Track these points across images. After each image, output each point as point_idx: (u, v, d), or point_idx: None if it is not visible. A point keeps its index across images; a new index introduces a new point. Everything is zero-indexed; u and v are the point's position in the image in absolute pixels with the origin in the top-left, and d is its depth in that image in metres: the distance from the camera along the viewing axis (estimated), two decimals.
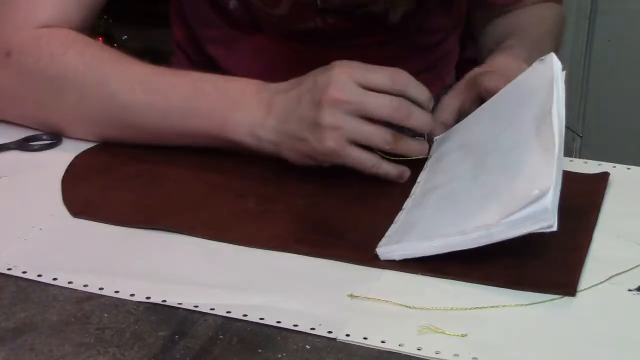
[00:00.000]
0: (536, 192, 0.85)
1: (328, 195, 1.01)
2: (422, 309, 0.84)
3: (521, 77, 1.01)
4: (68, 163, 1.08)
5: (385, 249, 0.90)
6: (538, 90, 0.96)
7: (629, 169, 1.07)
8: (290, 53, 1.25)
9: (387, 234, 0.93)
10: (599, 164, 1.07)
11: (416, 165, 1.02)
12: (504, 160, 0.94)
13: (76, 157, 1.07)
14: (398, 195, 0.99)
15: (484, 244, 0.87)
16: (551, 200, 0.84)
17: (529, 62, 1.03)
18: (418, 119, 0.99)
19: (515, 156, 0.92)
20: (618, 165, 1.07)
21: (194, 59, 1.33)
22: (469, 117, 1.04)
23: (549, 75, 0.95)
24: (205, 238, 0.93)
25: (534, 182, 0.87)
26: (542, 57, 0.98)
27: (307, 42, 1.24)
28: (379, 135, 0.98)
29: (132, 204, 0.99)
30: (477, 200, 0.91)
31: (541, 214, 0.84)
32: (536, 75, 0.98)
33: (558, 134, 0.89)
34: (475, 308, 0.84)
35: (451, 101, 1.07)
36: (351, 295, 0.85)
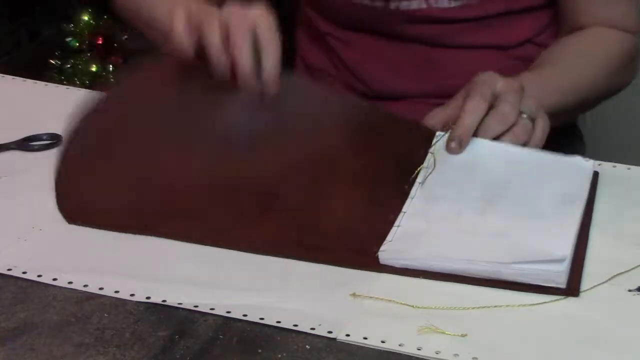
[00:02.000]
0: (559, 254, 0.87)
1: (325, 196, 1.00)
2: (423, 308, 0.84)
3: (557, 159, 1.02)
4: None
5: (387, 255, 0.90)
6: (572, 183, 0.99)
7: (629, 169, 1.07)
8: (398, 55, 1.26)
9: (389, 238, 0.92)
10: (599, 164, 1.07)
11: (414, 164, 1.02)
12: (515, 208, 0.95)
13: (65, 150, 1.03)
14: (397, 195, 0.99)
15: (490, 277, 0.87)
16: (567, 266, 0.87)
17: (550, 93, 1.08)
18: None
19: (530, 210, 0.94)
20: (618, 165, 1.07)
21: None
22: (485, 141, 1.03)
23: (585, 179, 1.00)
24: (202, 244, 0.93)
25: (554, 239, 0.89)
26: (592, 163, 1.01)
27: (413, 42, 1.25)
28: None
29: (126, 209, 0.98)
30: (487, 237, 0.91)
31: (555, 277, 0.87)
32: (573, 168, 1.01)
33: (580, 219, 0.94)
34: (476, 308, 0.84)
35: (440, 112, 1.07)
36: (354, 295, 0.85)
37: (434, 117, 1.06)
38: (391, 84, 1.26)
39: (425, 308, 0.84)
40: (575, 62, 1.21)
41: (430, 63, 1.20)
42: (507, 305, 0.85)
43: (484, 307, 0.85)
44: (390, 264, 0.90)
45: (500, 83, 1.03)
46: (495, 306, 0.85)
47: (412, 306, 0.84)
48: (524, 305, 0.85)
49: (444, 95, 1.16)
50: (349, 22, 1.28)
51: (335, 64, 1.30)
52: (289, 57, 1.38)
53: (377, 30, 1.26)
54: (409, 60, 1.25)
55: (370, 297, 0.85)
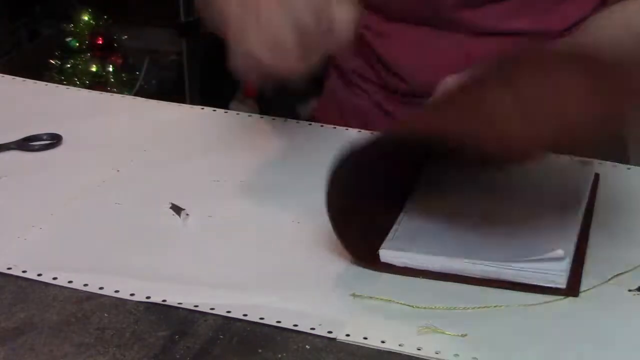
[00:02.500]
0: (559, 253, 0.87)
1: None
2: (423, 308, 0.84)
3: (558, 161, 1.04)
4: (68, 163, 1.08)
5: (388, 253, 0.90)
6: (573, 184, 1.00)
7: (629, 169, 1.07)
8: (438, 44, 1.24)
9: (390, 237, 0.92)
10: (600, 163, 1.07)
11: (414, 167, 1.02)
12: (516, 208, 0.96)
13: None
14: (398, 196, 0.99)
15: (490, 277, 0.87)
16: (567, 265, 0.87)
17: None
18: None
19: (531, 211, 0.95)
20: (618, 165, 1.07)
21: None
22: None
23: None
24: None
25: (554, 239, 0.89)
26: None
27: (454, 29, 1.23)
28: None
29: None
30: (487, 237, 0.91)
31: (555, 276, 0.87)
32: (574, 170, 1.03)
33: (581, 220, 0.94)
34: (475, 308, 0.84)
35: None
36: (354, 295, 0.85)
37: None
38: (431, 77, 1.23)
39: (425, 308, 0.84)
40: (613, 33, 1.17)
41: (471, 53, 1.18)
42: (507, 305, 0.85)
43: (484, 307, 0.85)
44: (390, 262, 0.90)
45: None
46: (495, 306, 0.85)
47: (412, 306, 0.84)
48: (524, 305, 0.85)
49: None
50: (388, 10, 1.25)
51: (372, 63, 1.28)
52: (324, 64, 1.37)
53: (417, 16, 1.23)
54: (450, 51, 1.23)
55: (370, 297, 0.85)
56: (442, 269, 0.88)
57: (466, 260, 0.88)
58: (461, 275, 0.88)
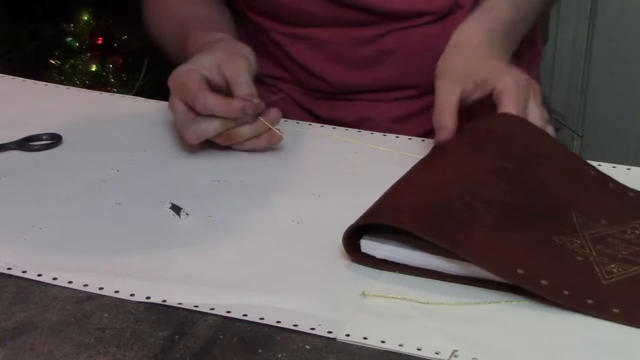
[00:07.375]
0: None
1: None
2: (425, 304, 0.84)
3: None
4: (68, 163, 1.08)
5: (369, 243, 0.89)
6: None
7: (628, 169, 1.07)
8: (344, 41, 1.24)
9: (371, 228, 0.91)
10: (599, 165, 1.07)
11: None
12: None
13: None
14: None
15: (486, 277, 0.87)
16: None
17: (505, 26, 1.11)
18: None
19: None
20: (618, 166, 1.07)
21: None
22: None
23: None
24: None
25: None
26: None
27: (355, 25, 1.23)
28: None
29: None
30: None
31: None
32: None
33: None
34: (476, 307, 0.84)
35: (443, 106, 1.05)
36: (364, 294, 0.85)
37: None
38: (345, 76, 1.24)
39: (428, 304, 0.84)
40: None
41: (383, 47, 1.20)
42: (507, 303, 0.85)
43: (484, 307, 0.85)
44: (371, 254, 0.89)
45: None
46: (495, 303, 0.85)
47: (424, 302, 0.84)
48: (524, 305, 0.85)
49: (401, 87, 1.20)
50: (291, 17, 1.25)
51: (288, 66, 1.28)
52: None
53: (320, 19, 1.24)
54: (361, 47, 1.23)
55: (381, 295, 0.85)
56: (422, 264, 0.88)
57: (443, 258, 0.87)
58: (461, 276, 0.88)
